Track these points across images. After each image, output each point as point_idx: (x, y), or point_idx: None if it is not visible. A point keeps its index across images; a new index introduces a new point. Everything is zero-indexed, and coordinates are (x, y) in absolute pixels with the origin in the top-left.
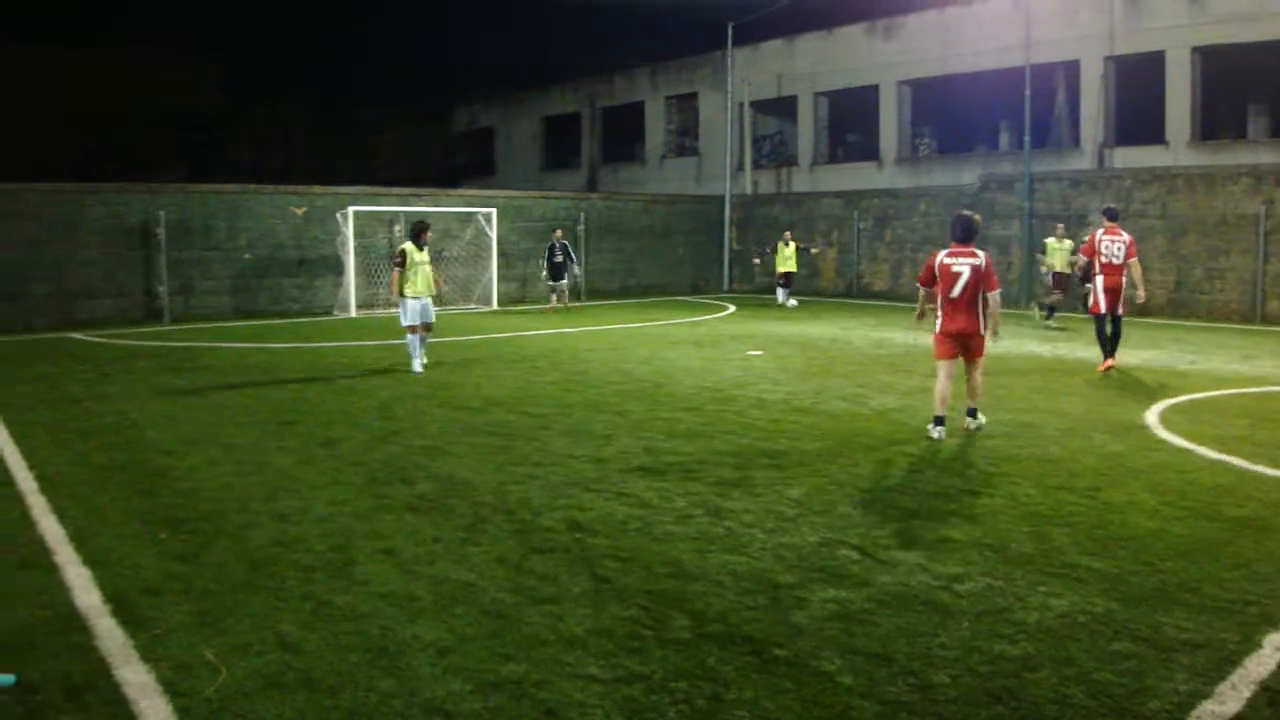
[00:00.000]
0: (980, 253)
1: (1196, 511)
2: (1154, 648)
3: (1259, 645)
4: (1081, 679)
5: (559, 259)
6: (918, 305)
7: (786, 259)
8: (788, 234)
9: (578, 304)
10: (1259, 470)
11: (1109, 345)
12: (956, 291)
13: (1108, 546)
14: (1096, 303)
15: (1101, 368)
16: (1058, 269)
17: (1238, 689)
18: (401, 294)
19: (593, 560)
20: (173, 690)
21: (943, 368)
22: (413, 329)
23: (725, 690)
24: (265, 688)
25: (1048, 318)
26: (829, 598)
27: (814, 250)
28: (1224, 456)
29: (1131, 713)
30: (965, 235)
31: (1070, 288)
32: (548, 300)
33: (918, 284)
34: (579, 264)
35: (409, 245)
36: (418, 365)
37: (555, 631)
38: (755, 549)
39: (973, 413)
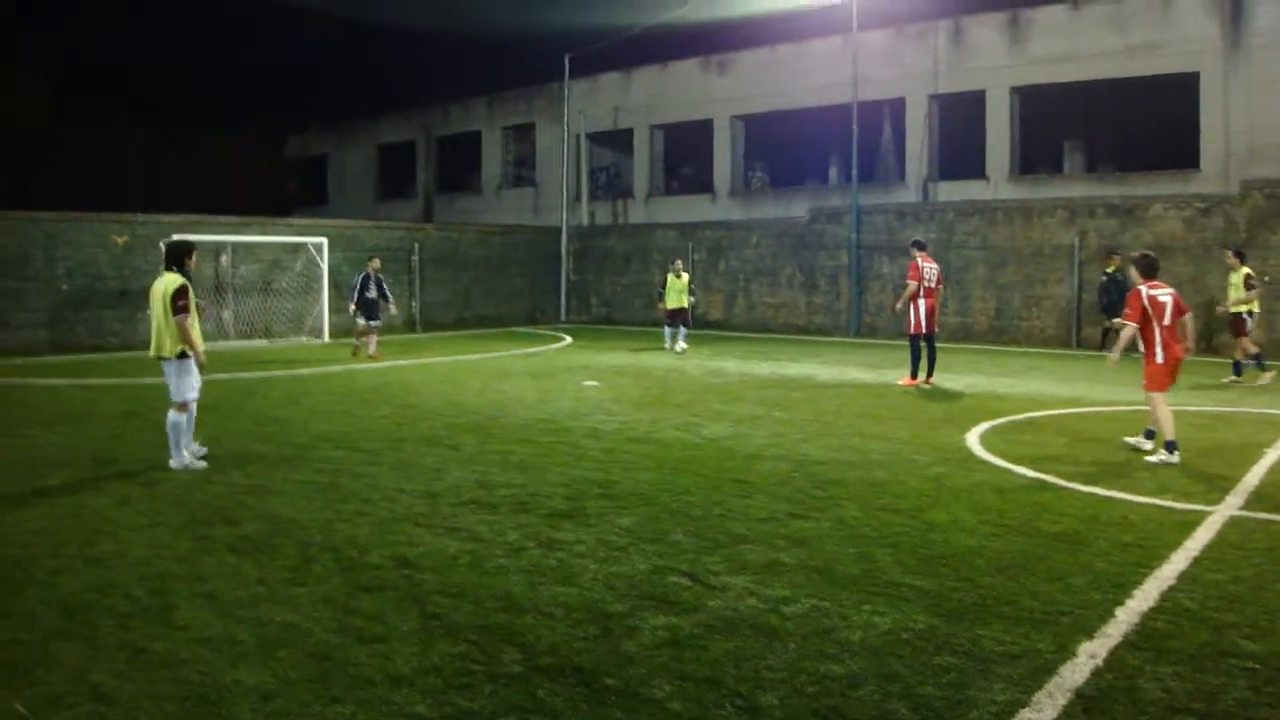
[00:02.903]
0: (1166, 285)
1: (1014, 528)
2: (974, 660)
3: (1074, 654)
4: (904, 694)
5: (372, 294)
6: (1119, 345)
7: (678, 293)
8: (678, 263)
9: (413, 335)
10: (1073, 487)
11: (929, 364)
12: (1168, 319)
13: (930, 565)
14: (919, 324)
15: (912, 382)
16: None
17: (1054, 697)
18: (185, 352)
19: (422, 597)
20: None
21: (1165, 399)
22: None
23: None
24: None
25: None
26: (660, 625)
27: (691, 300)
28: (1040, 475)
29: None
30: (1154, 271)
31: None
32: (355, 340)
33: (1126, 322)
34: (393, 303)
35: (182, 279)
36: (187, 458)
37: (383, 671)
38: (587, 579)
39: (1150, 434)
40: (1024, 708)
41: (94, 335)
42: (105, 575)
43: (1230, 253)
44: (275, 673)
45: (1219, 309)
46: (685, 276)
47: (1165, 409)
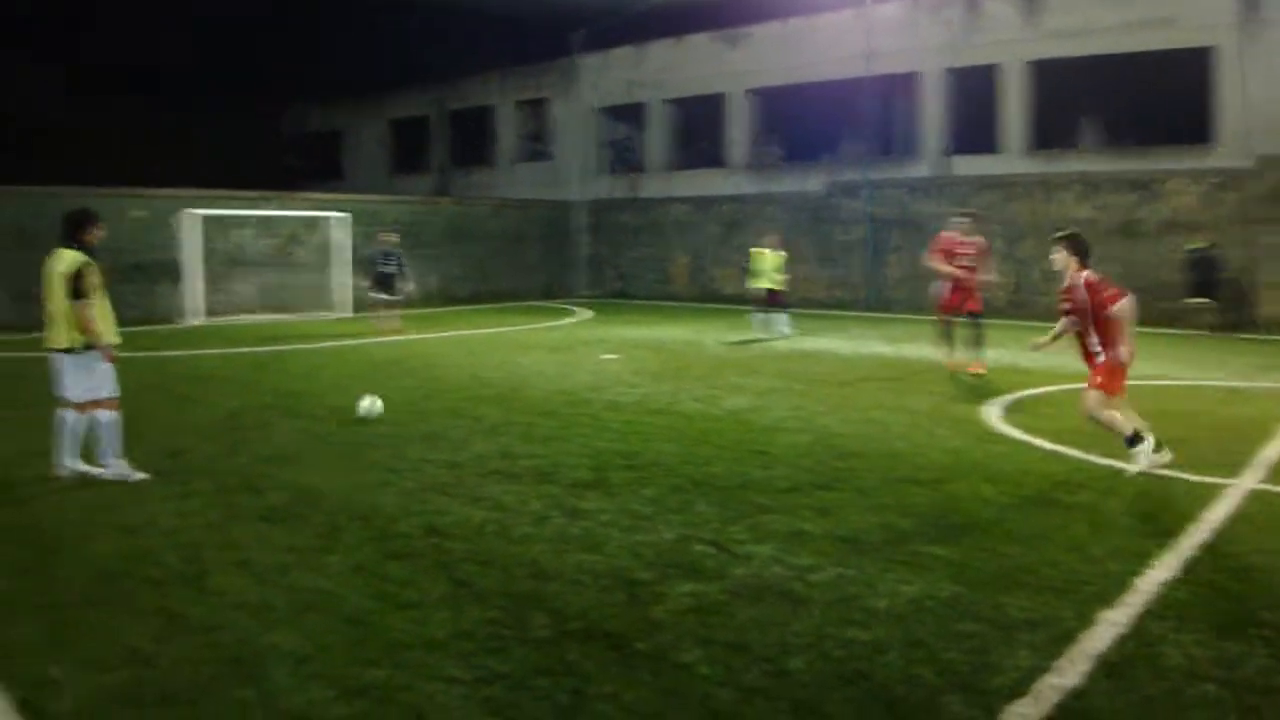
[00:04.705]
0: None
1: (1034, 500)
2: (997, 627)
3: (1094, 622)
4: (929, 659)
5: (389, 268)
6: (1053, 334)
7: (764, 271)
8: (771, 237)
9: (430, 309)
10: (1092, 459)
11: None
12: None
13: (952, 534)
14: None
15: (965, 368)
16: None
17: (1076, 662)
18: (90, 344)
19: (451, 564)
20: (25, 708)
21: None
22: (113, 403)
23: (586, 685)
24: (120, 703)
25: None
26: (686, 592)
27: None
28: (1059, 448)
29: (977, 689)
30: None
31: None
32: (376, 316)
33: (1068, 313)
34: (411, 279)
35: (83, 257)
36: (81, 465)
37: (416, 635)
38: (613, 547)
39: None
40: (1046, 673)
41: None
42: (137, 543)
43: None
44: (310, 637)
45: None
46: (776, 253)
47: (1112, 410)
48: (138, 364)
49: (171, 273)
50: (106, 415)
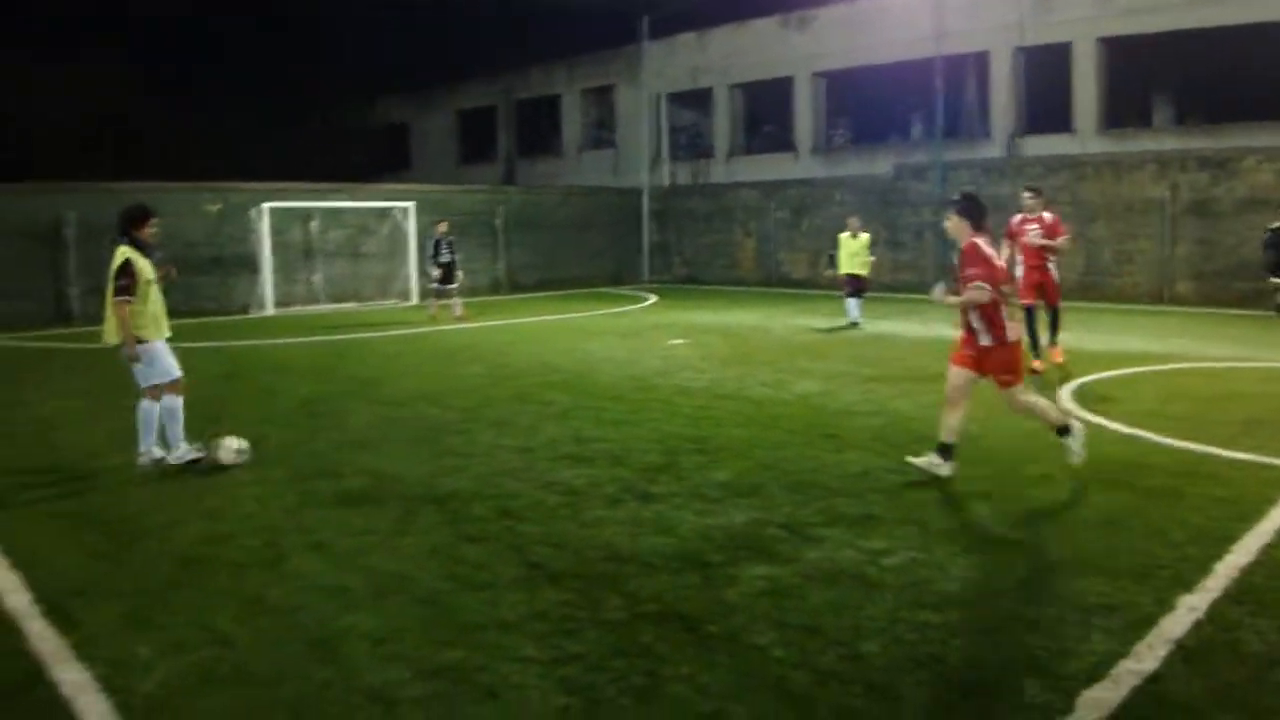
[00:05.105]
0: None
1: (1109, 483)
2: (1072, 611)
3: (1173, 607)
4: (1005, 643)
5: (446, 257)
6: (960, 300)
7: (853, 256)
8: (854, 220)
9: (499, 297)
10: (1168, 443)
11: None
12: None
13: (1026, 519)
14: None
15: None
16: None
17: (1154, 648)
18: (138, 338)
19: (524, 547)
20: (110, 688)
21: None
22: (174, 387)
23: (661, 666)
24: (202, 683)
25: None
26: (759, 574)
27: (828, 272)
28: (1135, 431)
29: (1053, 673)
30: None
31: None
32: (432, 306)
33: (982, 284)
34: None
35: (131, 252)
36: (157, 451)
37: (491, 617)
38: (685, 530)
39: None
40: (1124, 658)
41: (190, 300)
42: (218, 527)
43: None
44: (387, 618)
45: None
46: (864, 236)
47: (1033, 396)
48: (216, 354)
49: (249, 264)
50: (168, 400)
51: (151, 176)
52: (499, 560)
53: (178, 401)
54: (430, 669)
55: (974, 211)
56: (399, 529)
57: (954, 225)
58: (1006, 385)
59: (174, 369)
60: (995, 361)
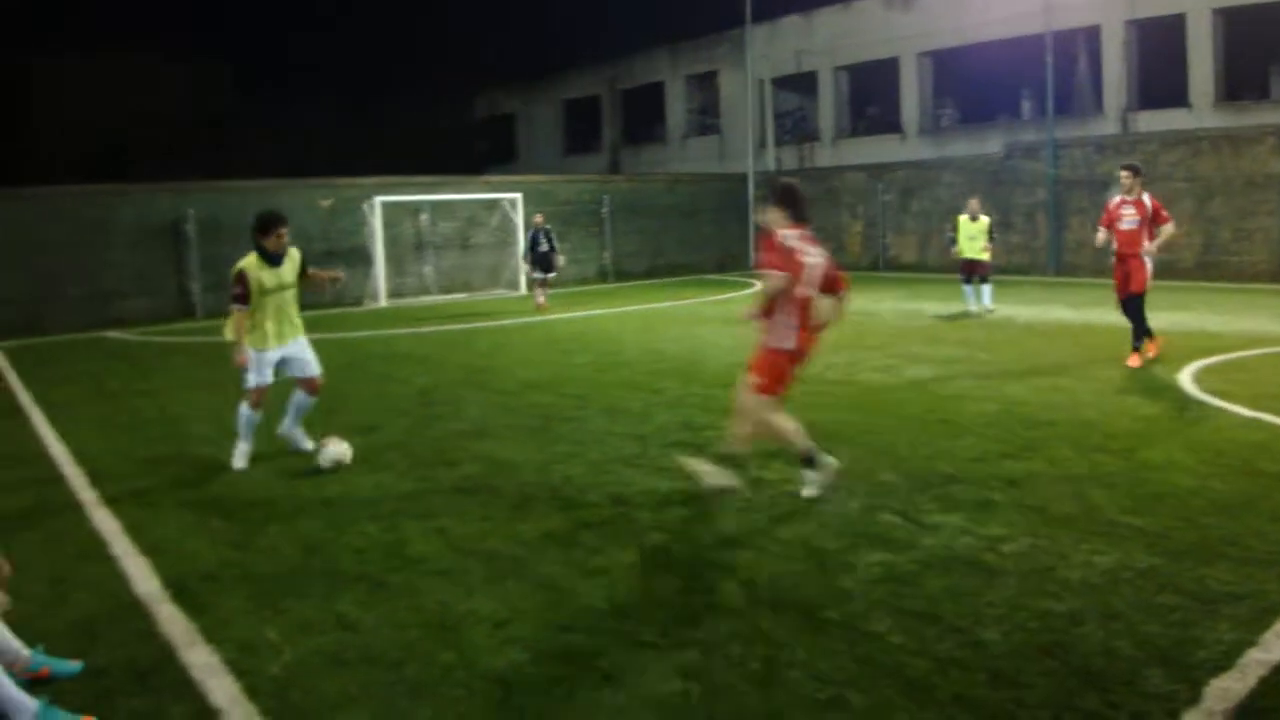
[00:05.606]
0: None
1: (1234, 468)
2: (1198, 600)
3: None
4: (1129, 632)
5: (545, 248)
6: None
7: (971, 240)
8: (974, 202)
9: (605, 285)
10: None
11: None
12: (814, 288)
13: (1148, 504)
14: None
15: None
16: None
17: None
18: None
19: (639, 533)
20: (238, 670)
21: (777, 407)
22: (259, 392)
23: (779, 652)
24: (328, 665)
25: None
26: (875, 561)
27: (953, 249)
28: (1258, 414)
29: (1179, 662)
30: (804, 211)
31: None
32: (534, 295)
33: (773, 272)
34: (560, 255)
35: (250, 261)
36: (242, 461)
37: (608, 601)
38: (799, 517)
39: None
40: (1252, 648)
41: (307, 294)
42: (339, 514)
43: None
44: (506, 602)
45: None
46: (984, 220)
47: (779, 418)
48: (334, 345)
49: (363, 257)
50: (248, 411)
51: (250, 175)
52: (614, 546)
53: (307, 399)
54: (549, 652)
55: (790, 199)
56: (515, 515)
57: (772, 217)
58: (755, 388)
59: (264, 375)
60: (759, 358)
